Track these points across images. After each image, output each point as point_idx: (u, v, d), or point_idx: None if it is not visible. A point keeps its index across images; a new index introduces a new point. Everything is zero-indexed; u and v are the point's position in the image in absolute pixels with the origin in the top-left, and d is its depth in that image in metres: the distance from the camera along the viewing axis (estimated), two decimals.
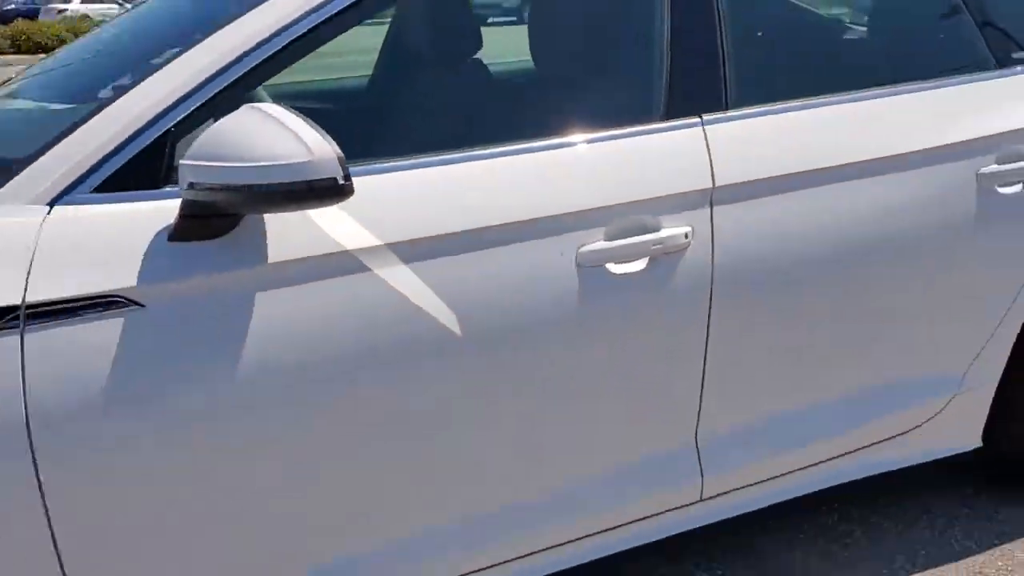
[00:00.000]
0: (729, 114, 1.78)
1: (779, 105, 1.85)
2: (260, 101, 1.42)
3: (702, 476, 1.84)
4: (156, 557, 1.40)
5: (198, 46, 1.46)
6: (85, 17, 22.05)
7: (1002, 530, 2.21)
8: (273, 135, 1.28)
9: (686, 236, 1.67)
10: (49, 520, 1.31)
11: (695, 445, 1.82)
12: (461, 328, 1.51)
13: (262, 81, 1.51)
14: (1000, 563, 2.10)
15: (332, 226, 1.43)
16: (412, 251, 1.47)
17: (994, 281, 2.07)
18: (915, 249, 1.92)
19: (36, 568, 1.32)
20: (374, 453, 1.51)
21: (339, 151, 1.29)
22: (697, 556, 2.10)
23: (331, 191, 1.28)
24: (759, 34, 1.99)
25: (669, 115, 1.74)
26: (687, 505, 1.86)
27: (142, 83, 1.43)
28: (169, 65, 1.45)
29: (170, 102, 1.41)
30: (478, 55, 2.11)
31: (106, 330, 1.30)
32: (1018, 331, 2.13)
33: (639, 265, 1.64)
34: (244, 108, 1.32)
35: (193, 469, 1.38)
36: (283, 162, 1.25)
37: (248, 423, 1.40)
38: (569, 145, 1.65)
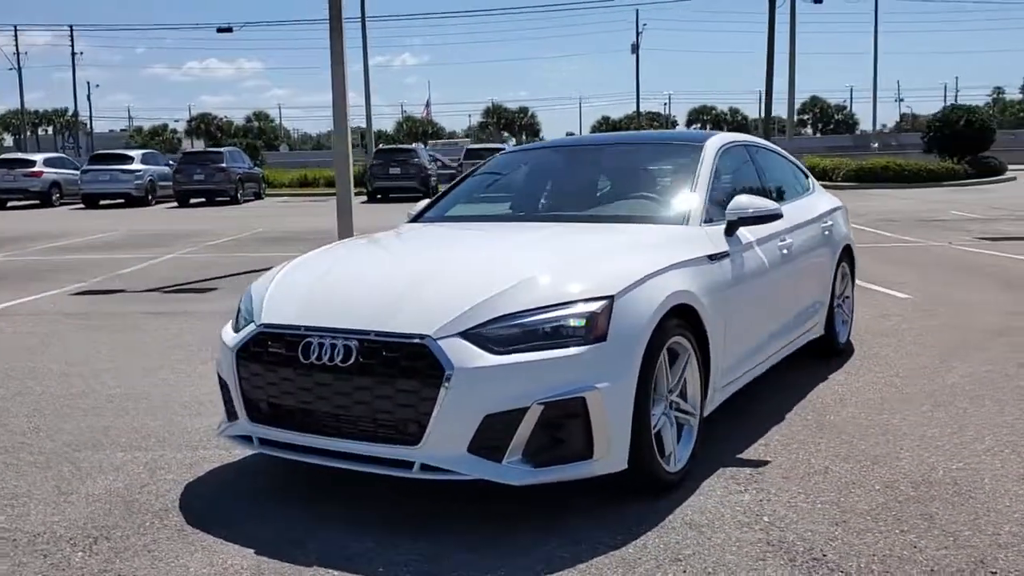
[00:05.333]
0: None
1: None
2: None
3: None
4: (742, 333, 4.33)
5: (695, 186, 4.53)
6: None
7: (834, 368, 5.80)
8: (760, 201, 4.41)
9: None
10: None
11: None
12: (768, 261, 4.68)
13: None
14: (822, 388, 5.68)
15: (750, 231, 4.52)
16: (761, 238, 4.63)
17: (828, 263, 5.78)
18: (809, 251, 5.53)
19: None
20: (764, 300, 4.64)
21: (777, 204, 4.45)
22: None
23: (779, 217, 4.46)
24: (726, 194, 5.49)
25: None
26: None
27: (695, 191, 4.46)
28: (695, 189, 4.50)
29: (701, 197, 4.45)
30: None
31: (724, 264, 4.24)
32: (831, 285, 5.83)
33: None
34: (741, 195, 4.41)
35: (747, 302, 4.39)
36: (770, 207, 4.38)
37: (755, 289, 4.46)
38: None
